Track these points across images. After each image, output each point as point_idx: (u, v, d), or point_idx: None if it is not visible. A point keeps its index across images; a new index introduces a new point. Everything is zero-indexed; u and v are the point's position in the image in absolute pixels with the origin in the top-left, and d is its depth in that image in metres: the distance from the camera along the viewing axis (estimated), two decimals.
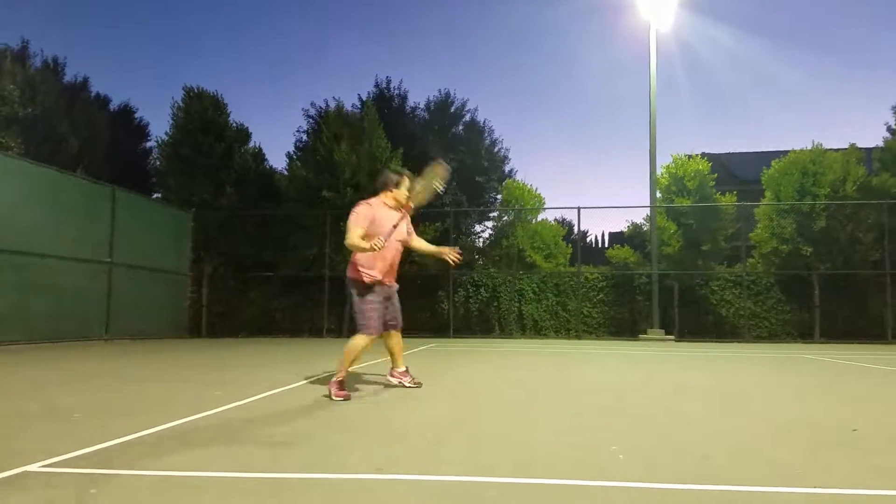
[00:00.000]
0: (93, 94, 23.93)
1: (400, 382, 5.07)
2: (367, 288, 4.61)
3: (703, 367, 7.97)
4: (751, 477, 2.35)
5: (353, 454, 2.70)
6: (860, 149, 17.44)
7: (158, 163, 19.01)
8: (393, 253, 4.75)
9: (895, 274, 16.15)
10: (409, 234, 5.02)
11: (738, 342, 16.11)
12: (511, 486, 2.23)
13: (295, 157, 19.02)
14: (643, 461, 2.62)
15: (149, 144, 25.16)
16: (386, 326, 4.81)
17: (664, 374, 6.91)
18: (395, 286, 4.90)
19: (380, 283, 4.66)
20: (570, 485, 2.24)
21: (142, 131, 25.83)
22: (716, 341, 16.41)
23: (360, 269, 4.62)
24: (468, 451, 2.79)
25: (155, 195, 19.41)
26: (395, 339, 5.00)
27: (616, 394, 5.03)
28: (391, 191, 4.87)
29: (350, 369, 4.63)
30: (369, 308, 4.60)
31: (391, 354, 5.11)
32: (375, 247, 4.35)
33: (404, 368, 5.13)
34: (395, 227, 4.62)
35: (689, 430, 3.39)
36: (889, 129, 18.68)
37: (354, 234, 4.54)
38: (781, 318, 17.33)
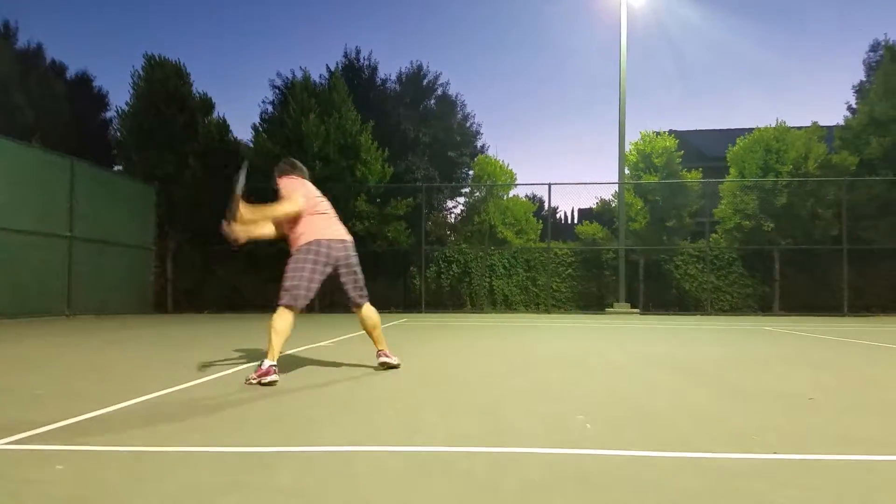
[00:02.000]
0: (48, 62, 23.04)
1: (385, 362, 4.66)
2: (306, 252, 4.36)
3: (667, 338, 8.15)
4: (712, 443, 2.43)
5: (326, 428, 2.71)
6: (822, 127, 17.85)
7: (119, 134, 18.42)
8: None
9: (852, 249, 16.68)
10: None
11: (701, 315, 16.52)
12: (483, 454, 2.26)
13: (261, 128, 18.63)
14: (610, 429, 2.68)
15: (109, 115, 24.40)
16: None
17: (630, 345, 7.06)
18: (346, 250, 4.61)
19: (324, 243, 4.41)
20: (541, 453, 2.28)
21: (101, 101, 24.98)
22: (679, 314, 16.81)
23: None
24: (441, 423, 2.82)
25: (116, 167, 18.87)
26: (366, 315, 4.69)
27: (583, 365, 5.13)
28: (290, 175, 4.70)
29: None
30: (304, 272, 4.31)
31: (370, 335, 4.76)
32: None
33: (383, 349, 4.74)
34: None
35: (654, 399, 3.47)
36: (850, 108, 19.13)
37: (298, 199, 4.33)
38: (743, 291, 17.80)
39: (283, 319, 4.07)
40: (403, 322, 12.14)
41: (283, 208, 4.35)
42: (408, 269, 19.07)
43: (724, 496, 1.81)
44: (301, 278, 4.15)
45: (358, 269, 4.51)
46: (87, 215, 13.82)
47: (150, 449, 2.33)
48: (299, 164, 4.80)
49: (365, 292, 4.60)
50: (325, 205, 4.58)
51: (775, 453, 2.25)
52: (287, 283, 4.16)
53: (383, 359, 4.61)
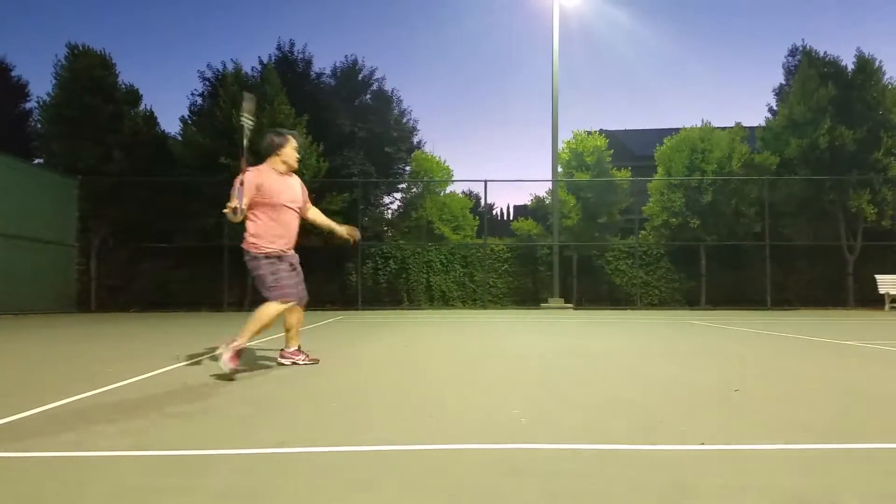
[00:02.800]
0: None
1: (293, 363, 4.69)
2: (267, 260, 4.34)
3: (598, 332, 8.39)
4: (641, 435, 2.51)
5: (258, 428, 2.65)
6: (745, 128, 18.76)
7: (40, 125, 17.44)
8: (289, 220, 4.51)
9: (774, 245, 17.63)
10: (304, 202, 4.75)
11: (631, 309, 17.09)
12: (415, 452, 2.26)
13: (190, 121, 18.02)
14: (543, 422, 2.73)
15: (28, 105, 23.06)
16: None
17: (562, 339, 7.22)
18: (296, 257, 4.61)
19: (280, 254, 4.39)
20: (476, 449, 2.30)
21: (20, 90, 23.59)
22: (610, 308, 17.34)
23: (256, 241, 4.34)
24: (375, 421, 2.80)
25: (36, 161, 17.84)
26: (297, 314, 4.71)
27: (518, 359, 5.21)
28: (278, 154, 4.59)
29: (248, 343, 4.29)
30: (282, 273, 4.35)
31: (287, 332, 4.74)
32: (233, 213, 4.14)
33: (296, 348, 4.76)
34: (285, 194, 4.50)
35: (584, 390, 3.56)
36: (770, 109, 20.21)
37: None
38: (671, 286, 18.53)
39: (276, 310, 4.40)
40: (340, 319, 12.01)
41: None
42: (344, 266, 18.87)
43: (652, 486, 1.88)
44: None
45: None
46: (4, 210, 13.04)
47: (74, 454, 2.21)
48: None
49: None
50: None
51: (703, 444, 2.35)
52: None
53: (291, 359, 4.77)
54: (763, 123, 19.70)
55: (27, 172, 14.92)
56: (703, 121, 18.60)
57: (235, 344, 4.05)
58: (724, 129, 18.70)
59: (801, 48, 19.49)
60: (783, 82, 20.70)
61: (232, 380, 3.90)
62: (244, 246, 4.40)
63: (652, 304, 18.31)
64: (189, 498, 1.77)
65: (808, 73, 18.05)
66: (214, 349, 5.68)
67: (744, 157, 17.82)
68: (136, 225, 16.96)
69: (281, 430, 2.61)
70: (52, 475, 2.00)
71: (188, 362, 4.87)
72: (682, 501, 1.73)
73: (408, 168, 21.12)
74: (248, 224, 4.39)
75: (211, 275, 17.21)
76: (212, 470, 2.06)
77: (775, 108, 19.88)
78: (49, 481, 1.93)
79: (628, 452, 2.25)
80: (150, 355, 5.36)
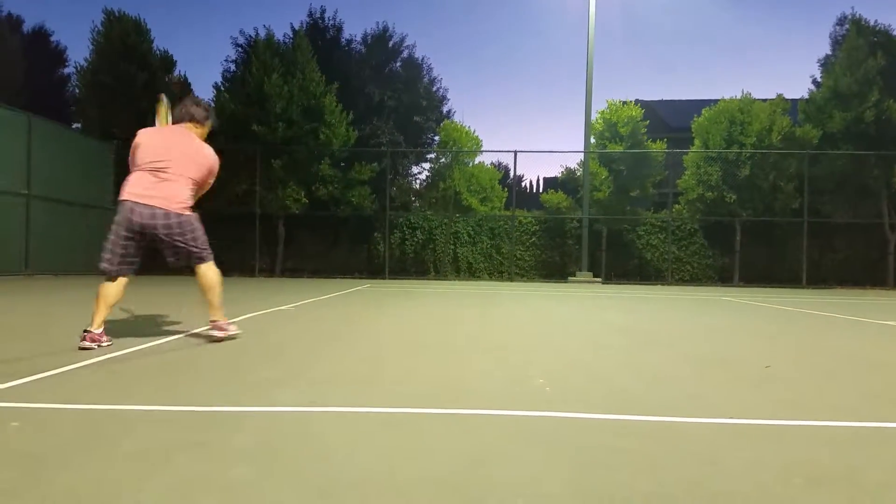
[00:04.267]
0: (4, 15, 21.92)
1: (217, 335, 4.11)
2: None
3: (627, 307, 8.31)
4: (667, 408, 2.48)
5: (286, 390, 2.69)
6: (787, 100, 18.12)
7: (77, 91, 17.73)
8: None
9: (812, 222, 17.16)
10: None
11: (661, 285, 16.88)
12: (442, 416, 2.27)
13: (223, 88, 18.12)
14: (567, 392, 2.72)
15: (66, 71, 23.42)
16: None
17: (589, 313, 7.17)
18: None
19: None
20: (499, 415, 2.30)
21: (59, 57, 23.96)
22: (640, 283, 17.15)
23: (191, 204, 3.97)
24: (401, 386, 2.82)
25: (74, 125, 18.19)
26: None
27: (544, 331, 5.19)
28: (199, 126, 4.20)
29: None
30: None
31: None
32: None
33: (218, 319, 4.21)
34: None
35: (611, 364, 3.54)
36: (814, 81, 19.45)
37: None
38: (703, 262, 18.23)
39: (102, 284, 3.81)
40: (367, 288, 12.11)
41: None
42: (371, 235, 18.97)
43: (678, 458, 1.86)
44: (107, 241, 3.82)
45: (179, 239, 3.88)
46: (44, 173, 13.40)
47: (108, 407, 2.28)
48: (189, 104, 4.27)
49: (201, 254, 4.07)
50: (157, 154, 3.89)
51: (731, 418, 2.32)
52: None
53: (215, 332, 4.10)
54: (806, 95, 19.02)
55: (65, 137, 15.23)
56: (742, 92, 18.04)
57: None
58: (764, 100, 18.10)
59: (849, 17, 18.68)
60: (829, 52, 19.88)
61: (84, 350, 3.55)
62: (180, 210, 3.87)
63: (683, 280, 18.06)
64: (216, 452, 1.82)
65: (856, 42, 17.32)
66: (244, 315, 5.79)
67: (784, 130, 17.27)
68: None
69: (307, 392, 2.65)
70: (87, 427, 2.06)
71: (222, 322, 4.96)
72: (708, 474, 1.71)
73: (436, 138, 20.96)
74: (187, 188, 3.95)
75: (242, 241, 17.47)
76: (239, 426, 2.10)
77: (819, 79, 19.11)
78: (89, 432, 2.00)
79: (654, 424, 2.23)
80: (185, 317, 5.48)
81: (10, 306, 6.53)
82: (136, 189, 3.77)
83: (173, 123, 4.21)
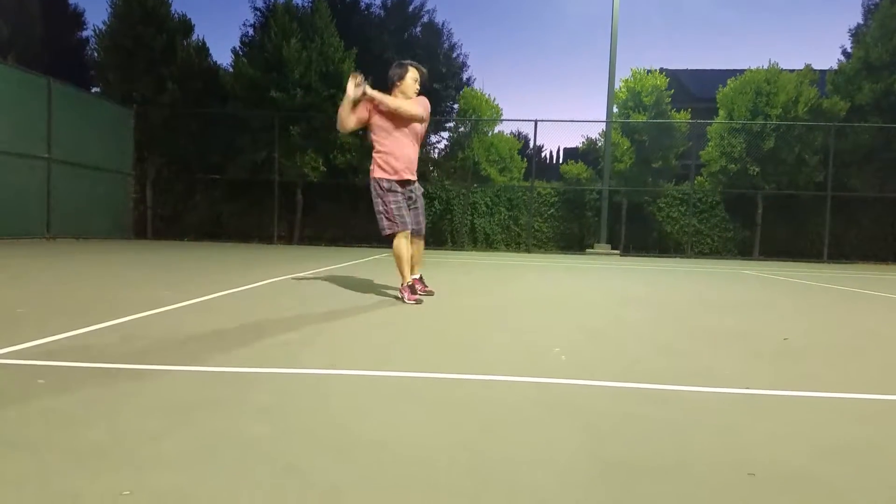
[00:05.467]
0: None
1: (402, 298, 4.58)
2: (384, 188, 4.52)
3: (645, 279, 8.26)
4: (683, 378, 2.47)
5: (305, 352, 2.72)
6: (815, 70, 17.62)
7: (96, 54, 17.73)
8: (407, 145, 4.66)
9: (836, 196, 16.83)
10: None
11: (681, 258, 16.74)
12: (459, 381, 2.28)
13: (241, 53, 18.00)
14: (584, 362, 2.72)
15: (85, 34, 23.42)
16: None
17: (607, 285, 7.14)
18: (418, 186, 4.82)
19: (399, 181, 4.57)
20: (515, 381, 2.31)
21: (77, 19, 23.92)
22: (659, 256, 17.01)
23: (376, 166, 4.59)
24: (418, 352, 2.84)
25: (93, 89, 18.25)
26: (416, 246, 4.81)
27: (560, 301, 5.18)
28: (397, 86, 4.68)
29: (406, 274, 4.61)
30: (391, 204, 4.52)
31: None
32: (356, 87, 4.37)
33: (419, 275, 5.00)
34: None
35: (628, 334, 3.52)
36: (844, 52, 18.85)
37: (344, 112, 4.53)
38: (724, 235, 18.00)
39: (402, 246, 4.55)
40: (384, 257, 12.15)
41: (410, 109, 4.60)
42: None
43: (694, 427, 1.85)
44: (387, 211, 4.52)
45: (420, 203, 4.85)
46: (64, 137, 13.50)
47: (130, 367, 2.32)
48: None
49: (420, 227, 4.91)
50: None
51: (748, 388, 2.30)
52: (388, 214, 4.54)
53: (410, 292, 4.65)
54: (835, 66, 18.45)
55: (86, 101, 15.28)
56: (770, 62, 17.55)
57: (404, 284, 4.58)
58: (792, 71, 17.62)
59: None
60: (861, 22, 19.18)
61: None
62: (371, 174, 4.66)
63: (703, 254, 17.88)
64: (233, 410, 1.84)
65: (890, 11, 16.70)
66: (262, 280, 5.84)
67: (811, 102, 16.82)
68: (190, 156, 17.31)
69: (323, 355, 2.67)
70: (112, 385, 2.10)
71: (242, 289, 5.02)
72: (725, 444, 1.70)
73: (455, 106, 20.73)
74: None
75: (261, 208, 17.56)
76: (257, 386, 2.13)
77: (850, 50, 18.51)
78: (110, 390, 2.04)
79: (670, 393, 2.22)
80: (203, 282, 5.55)
81: (34, 269, 6.65)
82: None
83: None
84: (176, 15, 17.69)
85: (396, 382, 2.26)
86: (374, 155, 4.59)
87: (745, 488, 1.39)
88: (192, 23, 18.11)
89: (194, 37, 18.14)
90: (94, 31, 17.55)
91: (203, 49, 18.28)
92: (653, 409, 2.01)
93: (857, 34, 18.68)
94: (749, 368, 2.69)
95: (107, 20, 17.01)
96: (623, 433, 1.75)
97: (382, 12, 22.14)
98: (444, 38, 22.58)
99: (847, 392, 2.31)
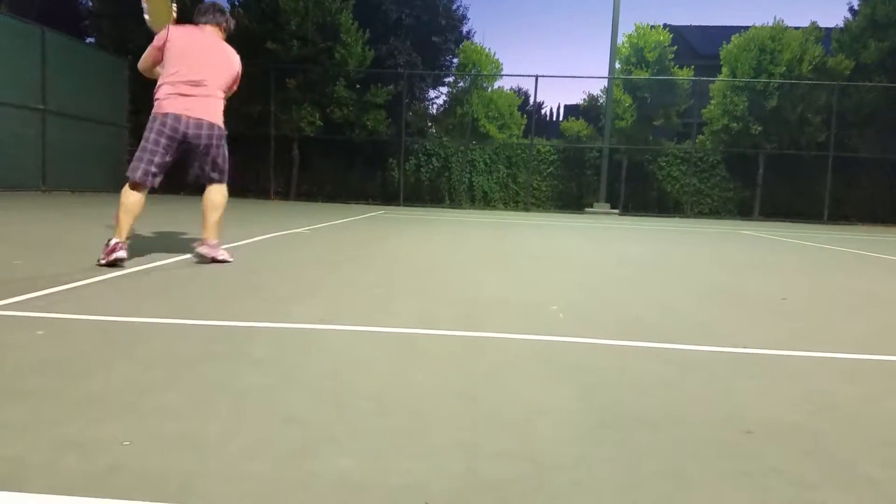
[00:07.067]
0: None
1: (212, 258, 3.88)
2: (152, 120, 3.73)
3: (643, 239, 8.26)
4: (680, 336, 2.49)
5: (300, 307, 2.72)
6: (820, 28, 17.27)
7: (90, 3, 17.31)
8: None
9: (838, 156, 16.70)
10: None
11: (680, 217, 16.72)
12: (457, 337, 2.29)
13: (237, 3, 17.57)
14: (582, 319, 2.73)
15: None
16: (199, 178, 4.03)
17: (605, 244, 7.14)
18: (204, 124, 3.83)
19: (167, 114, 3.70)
20: (513, 338, 2.32)
21: None
22: (658, 216, 16.98)
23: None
24: (415, 308, 2.84)
25: (88, 39, 17.86)
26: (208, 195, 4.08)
27: (558, 259, 5.18)
28: (224, 32, 4.14)
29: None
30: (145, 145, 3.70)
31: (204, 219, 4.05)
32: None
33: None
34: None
35: (625, 292, 3.53)
36: (851, 9, 18.46)
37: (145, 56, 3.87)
38: (724, 195, 17.95)
39: (126, 195, 3.66)
40: (380, 214, 12.11)
41: (140, 62, 3.96)
42: (386, 161, 18.78)
43: (687, 383, 1.87)
44: (143, 150, 3.66)
45: (217, 152, 3.98)
46: (59, 88, 13.26)
47: (125, 319, 2.32)
48: (215, 6, 4.18)
49: (223, 177, 4.14)
50: (196, 68, 3.79)
51: (744, 347, 2.31)
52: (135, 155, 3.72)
53: (203, 249, 3.92)
54: (841, 24, 18.09)
55: (80, 52, 14.96)
56: (775, 18, 17.21)
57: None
58: (797, 28, 17.27)
59: None
60: None
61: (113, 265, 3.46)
62: (221, 124, 4.00)
63: (702, 213, 17.85)
64: (230, 362, 1.85)
65: None
66: (257, 235, 5.82)
67: (816, 60, 16.55)
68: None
69: (320, 310, 2.68)
70: (107, 337, 2.10)
71: (237, 244, 5.00)
72: (718, 401, 1.72)
73: (455, 60, 20.33)
74: (222, 102, 4.04)
75: (257, 163, 17.39)
76: (254, 339, 2.13)
77: (856, 7, 18.12)
78: (108, 342, 2.04)
79: (664, 350, 2.23)
80: (195, 234, 5.52)
81: (31, 221, 6.61)
82: (178, 102, 3.70)
83: (198, 24, 4.06)
84: None
85: (392, 337, 2.26)
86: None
87: (739, 441, 1.41)
88: None
89: None
90: None
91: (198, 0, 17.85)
92: (649, 365, 2.02)
93: None
94: (746, 328, 2.71)
95: None
96: (619, 388, 1.77)
97: None
98: None
99: (842, 352, 2.33)
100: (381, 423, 1.43)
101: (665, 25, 18.39)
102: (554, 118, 42.58)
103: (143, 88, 16.20)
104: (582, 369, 1.94)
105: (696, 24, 31.34)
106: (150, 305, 2.60)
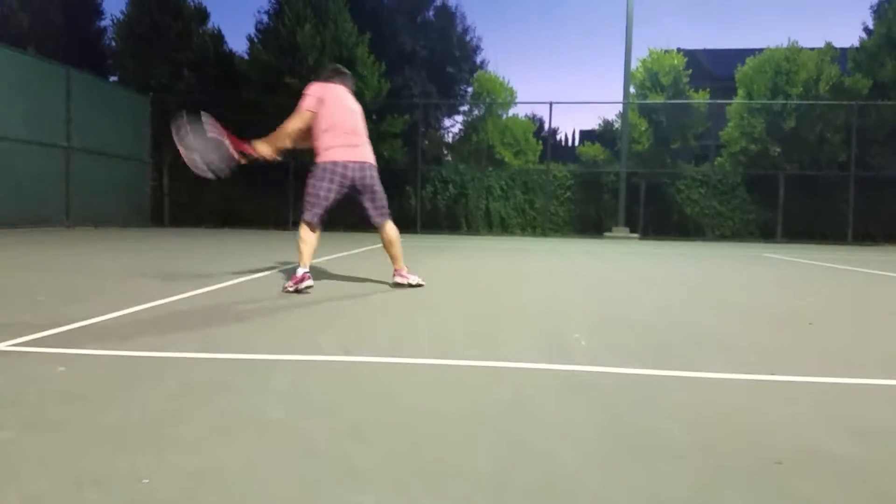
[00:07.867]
0: None
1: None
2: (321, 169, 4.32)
3: (664, 263, 8.17)
4: (708, 364, 2.43)
5: (321, 337, 2.71)
6: (836, 48, 17.20)
7: (114, 43, 17.86)
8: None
9: (859, 176, 16.47)
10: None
11: (701, 240, 16.54)
12: (478, 368, 2.26)
13: (256, 39, 17.98)
14: (605, 346, 2.68)
15: (103, 23, 23.56)
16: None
17: (626, 268, 7.07)
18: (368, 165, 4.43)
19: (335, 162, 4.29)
20: (535, 368, 2.28)
21: (95, 8, 24.05)
22: (679, 239, 16.82)
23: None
24: (436, 338, 2.82)
25: (111, 78, 18.38)
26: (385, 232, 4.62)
27: (579, 286, 5.13)
28: (348, 85, 4.68)
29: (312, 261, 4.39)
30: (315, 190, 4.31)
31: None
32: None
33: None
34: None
35: (650, 318, 3.48)
36: (866, 28, 18.37)
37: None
38: (745, 217, 17.73)
39: (305, 233, 4.33)
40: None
41: (288, 124, 4.45)
42: (403, 189, 18.87)
43: (717, 411, 1.82)
44: (317, 196, 4.28)
45: (378, 188, 4.54)
46: (83, 125, 13.62)
47: (148, 354, 2.33)
48: (341, 69, 4.71)
49: (385, 211, 4.64)
50: (348, 120, 4.42)
51: (773, 374, 2.25)
52: (306, 199, 4.36)
53: (397, 278, 4.61)
54: (856, 44, 17.99)
55: (104, 90, 15.39)
56: (789, 40, 17.16)
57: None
58: (812, 49, 17.20)
59: None
60: None
61: (300, 292, 4.02)
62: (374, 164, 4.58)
63: (723, 236, 17.64)
64: (251, 395, 1.84)
65: None
66: (279, 266, 5.85)
67: (832, 80, 16.43)
68: None
69: (342, 340, 2.67)
70: (132, 371, 2.11)
71: (258, 275, 5.04)
72: (749, 428, 1.66)
73: (469, 89, 20.52)
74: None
75: (277, 194, 17.58)
76: (275, 372, 2.12)
77: (871, 27, 18.02)
78: (129, 376, 2.04)
79: (692, 379, 2.18)
80: (219, 268, 5.57)
81: (52, 257, 6.72)
82: (343, 152, 4.31)
83: (330, 82, 4.55)
84: (191, 3, 17.73)
85: (413, 368, 2.24)
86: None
87: (768, 471, 1.36)
88: (207, 10, 18.15)
89: (209, 24, 18.18)
90: (112, 19, 17.69)
91: (218, 36, 18.31)
92: (677, 393, 1.98)
93: (879, 9, 18.17)
94: (773, 352, 2.64)
95: (124, 9, 17.16)
96: (645, 416, 1.72)
97: None
98: (458, 20, 22.29)
99: (876, 377, 2.26)
100: (402, 455, 1.41)
101: (679, 49, 18.45)
102: (570, 143, 42.67)
103: (165, 124, 16.66)
104: (607, 397, 1.90)
105: (710, 47, 31.40)
106: (173, 339, 2.61)
